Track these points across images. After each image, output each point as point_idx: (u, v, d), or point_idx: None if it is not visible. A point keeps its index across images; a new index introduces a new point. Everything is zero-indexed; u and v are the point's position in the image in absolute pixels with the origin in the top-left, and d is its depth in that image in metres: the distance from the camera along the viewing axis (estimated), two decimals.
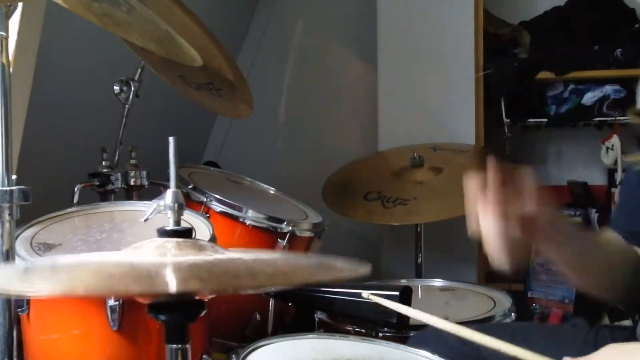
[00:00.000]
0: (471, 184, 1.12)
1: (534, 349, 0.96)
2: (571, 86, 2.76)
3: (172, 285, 0.71)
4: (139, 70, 1.89)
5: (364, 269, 0.84)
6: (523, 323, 1.73)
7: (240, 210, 1.79)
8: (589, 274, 1.22)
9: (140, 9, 1.45)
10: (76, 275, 0.77)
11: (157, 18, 1.47)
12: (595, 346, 1.21)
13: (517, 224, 1.06)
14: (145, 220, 0.92)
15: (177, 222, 0.86)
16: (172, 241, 0.84)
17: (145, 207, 0.94)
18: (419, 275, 2.29)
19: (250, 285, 0.77)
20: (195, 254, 0.82)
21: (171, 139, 0.86)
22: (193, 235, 0.87)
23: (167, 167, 0.88)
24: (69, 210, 1.58)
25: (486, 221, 1.09)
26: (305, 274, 0.81)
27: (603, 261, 1.22)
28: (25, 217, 1.35)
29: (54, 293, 0.77)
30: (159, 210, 0.88)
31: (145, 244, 0.84)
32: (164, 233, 0.85)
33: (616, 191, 2.75)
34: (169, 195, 0.87)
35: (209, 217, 1.61)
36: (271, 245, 1.79)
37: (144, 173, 1.90)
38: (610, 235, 1.26)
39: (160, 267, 0.75)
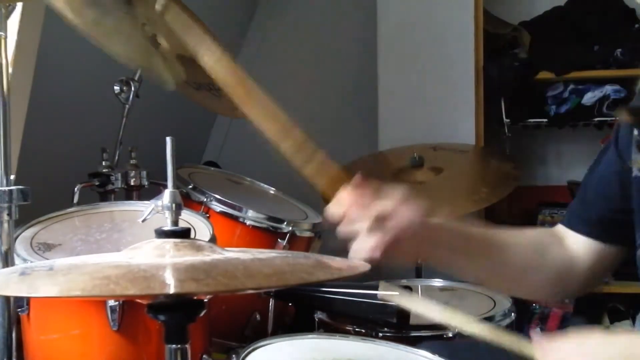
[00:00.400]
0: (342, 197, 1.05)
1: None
2: (571, 86, 2.76)
3: (169, 287, 0.71)
4: (139, 70, 1.89)
5: (362, 268, 0.84)
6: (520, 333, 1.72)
7: (240, 210, 1.79)
8: (495, 277, 1.18)
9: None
10: (73, 278, 0.77)
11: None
12: None
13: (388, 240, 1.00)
14: (143, 220, 0.92)
15: (175, 223, 0.86)
16: (169, 242, 0.84)
17: (145, 207, 0.94)
18: (419, 275, 2.29)
19: (248, 286, 0.77)
20: (193, 255, 0.82)
21: (168, 139, 0.86)
22: (192, 235, 0.87)
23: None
24: (69, 210, 1.58)
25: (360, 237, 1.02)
26: (303, 273, 0.81)
27: (515, 262, 1.16)
28: (25, 217, 1.35)
29: (51, 295, 0.77)
30: (157, 210, 0.88)
31: (143, 245, 0.84)
32: (161, 234, 0.85)
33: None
34: (166, 196, 0.87)
35: (209, 217, 1.61)
36: (271, 246, 1.79)
37: (144, 173, 1.90)
38: (533, 233, 1.22)
39: (157, 268, 0.75)
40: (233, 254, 0.85)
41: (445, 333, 1.53)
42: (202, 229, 1.50)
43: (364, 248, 1.00)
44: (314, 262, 0.88)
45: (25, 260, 1.32)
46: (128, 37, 1.32)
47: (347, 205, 1.03)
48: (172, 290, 0.70)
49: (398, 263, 1.06)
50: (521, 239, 1.19)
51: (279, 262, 0.86)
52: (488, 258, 1.15)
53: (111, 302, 1.28)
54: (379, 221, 1.00)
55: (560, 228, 1.21)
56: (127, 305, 1.28)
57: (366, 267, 0.86)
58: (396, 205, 1.02)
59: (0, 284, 0.83)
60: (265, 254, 0.90)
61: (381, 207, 1.01)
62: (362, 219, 1.01)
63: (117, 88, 1.89)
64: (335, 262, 0.86)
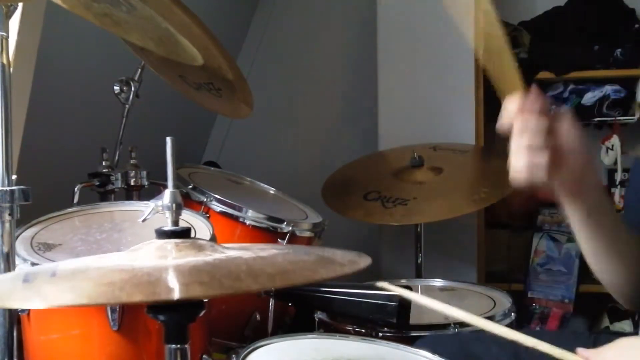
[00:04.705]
0: (512, 104, 1.06)
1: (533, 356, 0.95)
2: (571, 86, 2.76)
3: (175, 292, 0.71)
4: (139, 70, 1.89)
5: (364, 262, 0.84)
6: (523, 330, 1.72)
7: (240, 210, 1.79)
8: (607, 254, 1.14)
9: (141, 8, 1.45)
10: (77, 285, 0.77)
11: (157, 17, 1.47)
12: None
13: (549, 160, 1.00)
14: (144, 220, 0.92)
15: (176, 222, 0.86)
16: (171, 242, 0.84)
17: (145, 207, 0.94)
18: (419, 275, 2.29)
19: (252, 287, 0.77)
20: (195, 255, 0.82)
21: (168, 139, 0.86)
22: (192, 235, 0.87)
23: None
24: (69, 210, 1.58)
25: (519, 145, 1.03)
26: (306, 271, 0.80)
27: (621, 247, 1.14)
28: (25, 217, 1.34)
29: (59, 304, 0.77)
30: (157, 210, 0.88)
31: (144, 245, 0.84)
32: (162, 234, 0.85)
33: (616, 191, 2.75)
34: (166, 196, 0.87)
35: (209, 217, 1.61)
36: None
37: (144, 173, 1.90)
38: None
39: (161, 272, 0.75)
40: (234, 252, 0.85)
41: (445, 333, 1.53)
42: (202, 229, 1.50)
43: (529, 164, 1.00)
44: (316, 258, 0.87)
45: (25, 260, 1.32)
46: (142, 27, 1.32)
47: (518, 112, 1.04)
48: (177, 296, 0.70)
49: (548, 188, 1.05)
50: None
51: (280, 259, 0.86)
52: (605, 235, 1.13)
53: None
54: (548, 135, 1.00)
55: None
56: (127, 305, 1.28)
57: (367, 261, 0.85)
58: (566, 123, 1.02)
59: (3, 294, 0.82)
60: (266, 250, 0.89)
61: (552, 121, 1.00)
62: (531, 129, 1.01)
63: (117, 88, 1.89)
64: (337, 255, 0.86)
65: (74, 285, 0.77)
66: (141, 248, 0.84)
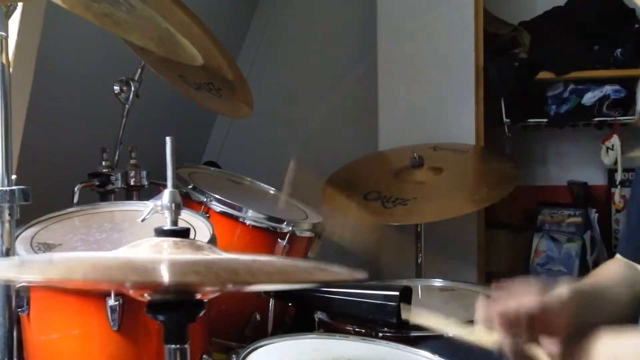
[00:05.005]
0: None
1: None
2: (571, 86, 2.76)
3: (167, 275, 0.71)
4: (139, 70, 1.89)
5: (360, 275, 0.85)
6: None
7: (240, 210, 1.79)
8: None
9: (141, 8, 1.45)
10: (73, 264, 0.77)
11: (157, 17, 1.47)
12: None
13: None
14: (143, 220, 0.92)
15: (175, 222, 0.86)
16: (168, 240, 0.84)
17: (145, 207, 0.94)
18: (419, 275, 2.29)
19: (249, 281, 0.77)
20: (193, 253, 0.82)
21: (168, 139, 0.86)
22: (192, 236, 0.87)
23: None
24: (69, 210, 1.58)
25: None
26: (304, 273, 0.81)
27: (613, 305, 1.18)
28: (25, 217, 1.35)
29: (52, 278, 0.77)
30: (156, 210, 0.88)
31: (142, 242, 0.84)
32: (161, 233, 0.85)
33: (616, 191, 2.75)
34: (166, 195, 0.87)
35: (209, 217, 1.61)
36: (271, 246, 1.79)
37: (144, 173, 1.90)
38: (612, 269, 1.23)
39: (158, 261, 0.76)
40: (233, 255, 0.86)
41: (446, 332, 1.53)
42: (202, 229, 1.50)
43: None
44: (313, 264, 0.88)
45: None
46: (142, 27, 1.32)
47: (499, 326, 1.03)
48: (172, 279, 0.70)
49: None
50: (613, 279, 1.21)
51: (278, 263, 0.86)
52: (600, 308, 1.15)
53: (111, 302, 1.28)
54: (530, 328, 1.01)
55: (621, 257, 1.23)
56: (127, 305, 1.28)
57: (363, 276, 0.86)
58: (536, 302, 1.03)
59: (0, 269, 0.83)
60: (265, 256, 0.90)
61: (524, 315, 1.02)
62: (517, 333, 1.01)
63: (117, 88, 1.89)
64: (334, 268, 0.86)
65: (70, 265, 0.77)
66: (138, 245, 0.84)
